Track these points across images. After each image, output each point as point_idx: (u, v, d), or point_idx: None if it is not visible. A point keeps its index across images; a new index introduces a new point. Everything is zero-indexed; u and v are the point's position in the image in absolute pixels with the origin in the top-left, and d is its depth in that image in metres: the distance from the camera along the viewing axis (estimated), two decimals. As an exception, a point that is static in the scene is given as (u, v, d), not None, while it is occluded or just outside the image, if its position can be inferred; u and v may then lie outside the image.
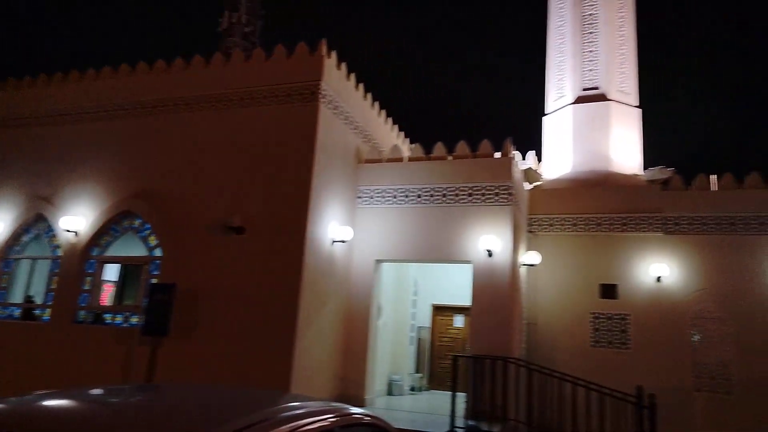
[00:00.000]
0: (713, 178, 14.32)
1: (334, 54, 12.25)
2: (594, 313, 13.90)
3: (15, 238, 13.71)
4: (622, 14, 16.62)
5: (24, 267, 13.85)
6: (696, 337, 13.36)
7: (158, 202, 12.33)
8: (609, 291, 13.89)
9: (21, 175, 13.93)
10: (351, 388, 12.33)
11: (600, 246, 14.19)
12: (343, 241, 12.34)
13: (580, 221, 14.46)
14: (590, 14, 16.60)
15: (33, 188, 13.68)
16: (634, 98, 16.29)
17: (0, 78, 15.29)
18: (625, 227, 14.06)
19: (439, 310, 17.26)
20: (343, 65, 12.74)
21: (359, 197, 13.42)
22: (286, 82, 11.86)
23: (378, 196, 13.32)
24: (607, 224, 14.21)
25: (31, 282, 13.67)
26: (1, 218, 13.76)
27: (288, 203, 11.27)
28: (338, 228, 12.20)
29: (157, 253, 12.21)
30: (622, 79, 16.23)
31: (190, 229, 11.89)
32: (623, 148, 15.63)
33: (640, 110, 16.20)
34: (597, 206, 14.35)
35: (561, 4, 17.31)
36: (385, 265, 13.69)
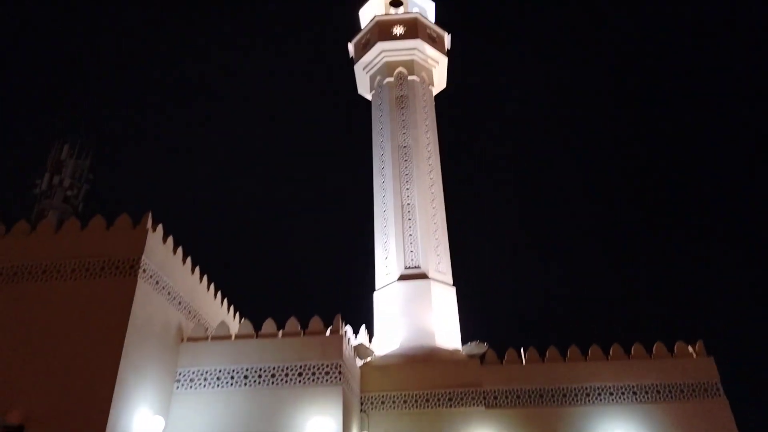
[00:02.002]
0: (521, 352, 15.78)
1: (160, 227, 11.89)
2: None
3: None
4: (434, 205, 19.13)
5: None
6: None
7: None
8: (441, 471, 13.67)
9: None
10: None
11: (430, 423, 14.23)
12: (153, 435, 10.73)
13: (410, 398, 14.58)
14: (408, 204, 18.81)
15: None
16: (449, 277, 18.07)
17: None
18: (450, 402, 14.46)
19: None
20: (170, 239, 12.35)
21: (178, 380, 12.12)
22: (102, 255, 11.02)
23: (200, 379, 12.18)
24: (434, 400, 14.50)
25: None
26: None
27: (87, 392, 9.72)
28: (148, 419, 10.67)
29: None
30: (439, 260, 18.09)
31: (-54, 430, 9.44)
32: (444, 324, 16.78)
33: (454, 288, 17.90)
34: (424, 382, 14.71)
35: (383, 192, 19.45)
36: (204, 459, 12.03)
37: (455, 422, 14.20)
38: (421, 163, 19.64)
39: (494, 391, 14.69)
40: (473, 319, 18.81)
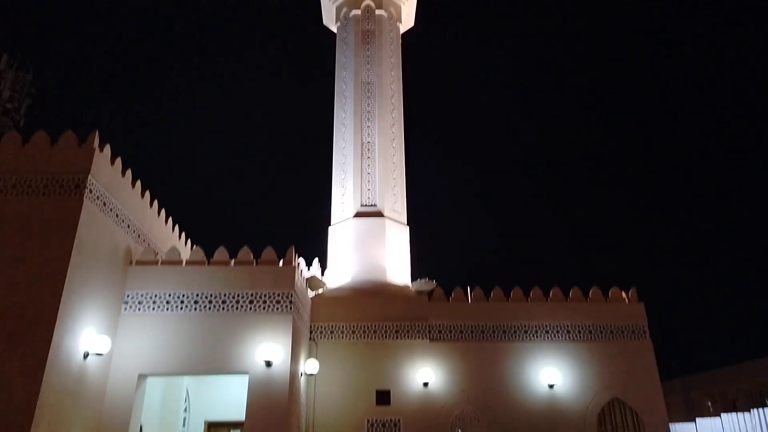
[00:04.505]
0: (468, 290, 16.44)
1: (108, 147, 11.46)
2: (369, 420, 14.17)
3: None
4: (394, 145, 19.10)
5: None
6: (459, 438, 14.42)
7: None
8: (383, 397, 14.41)
9: None
10: None
11: (376, 353, 14.86)
12: (99, 354, 10.79)
13: (358, 329, 15.10)
14: (368, 142, 18.71)
15: None
16: (404, 216, 18.35)
17: None
18: (397, 334, 15.07)
19: (214, 427, 15.77)
20: (118, 160, 11.95)
21: (126, 302, 12.10)
22: (45, 173, 10.60)
23: (149, 302, 12.18)
24: (382, 331, 15.08)
25: None
26: None
27: (31, 309, 9.60)
28: (94, 338, 10.69)
29: None
30: (395, 199, 18.28)
31: None
32: (396, 261, 17.20)
33: (408, 227, 18.24)
34: (373, 315, 15.22)
35: (343, 129, 19.23)
36: (152, 379, 12.26)
37: (400, 353, 14.87)
38: (384, 101, 19.42)
39: (439, 326, 15.39)
40: (425, 258, 19.34)
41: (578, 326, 15.72)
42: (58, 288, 9.80)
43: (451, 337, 15.33)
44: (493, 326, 15.54)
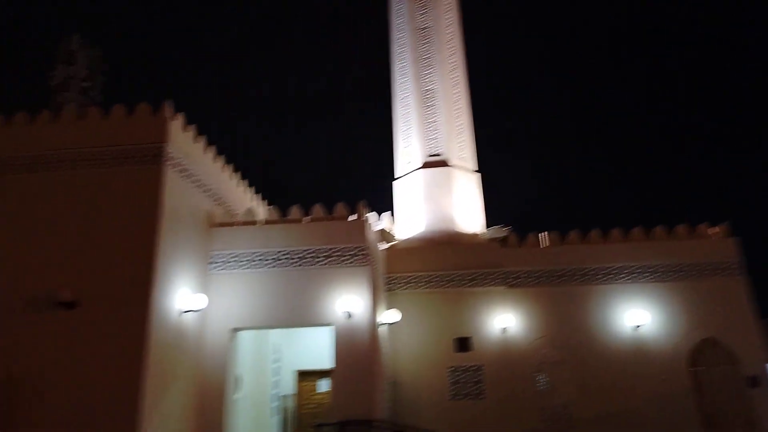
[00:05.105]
0: (543, 235, 16.02)
1: (180, 116, 11.81)
2: (451, 367, 14.39)
3: None
4: (457, 90, 18.51)
5: None
6: (541, 382, 14.39)
7: (-38, 278, 10.48)
8: (463, 344, 14.55)
9: None
10: (205, 474, 11.14)
11: (452, 301, 14.93)
12: (194, 311, 11.48)
13: (434, 278, 15.17)
14: (430, 89, 18.23)
15: None
16: (472, 164, 17.95)
17: None
18: (473, 282, 15.02)
19: (303, 375, 16.54)
20: (192, 127, 12.32)
21: (212, 263, 12.71)
22: (126, 143, 11.10)
23: (233, 261, 12.75)
24: (457, 280, 15.08)
25: None
26: None
27: (130, 272, 10.28)
28: (189, 296, 11.36)
29: (-41, 339, 10.25)
30: (461, 147, 17.87)
31: (4, 306, 10.22)
32: (466, 209, 16.97)
33: (479, 174, 17.86)
34: (447, 263, 15.21)
35: (404, 78, 18.80)
36: (243, 333, 12.95)
37: (477, 300, 14.86)
38: (442, 46, 18.74)
39: (515, 272, 15.15)
40: (499, 204, 18.92)
41: (663, 266, 15.01)
42: (152, 252, 10.40)
43: (528, 282, 15.10)
44: (571, 270, 15.13)
